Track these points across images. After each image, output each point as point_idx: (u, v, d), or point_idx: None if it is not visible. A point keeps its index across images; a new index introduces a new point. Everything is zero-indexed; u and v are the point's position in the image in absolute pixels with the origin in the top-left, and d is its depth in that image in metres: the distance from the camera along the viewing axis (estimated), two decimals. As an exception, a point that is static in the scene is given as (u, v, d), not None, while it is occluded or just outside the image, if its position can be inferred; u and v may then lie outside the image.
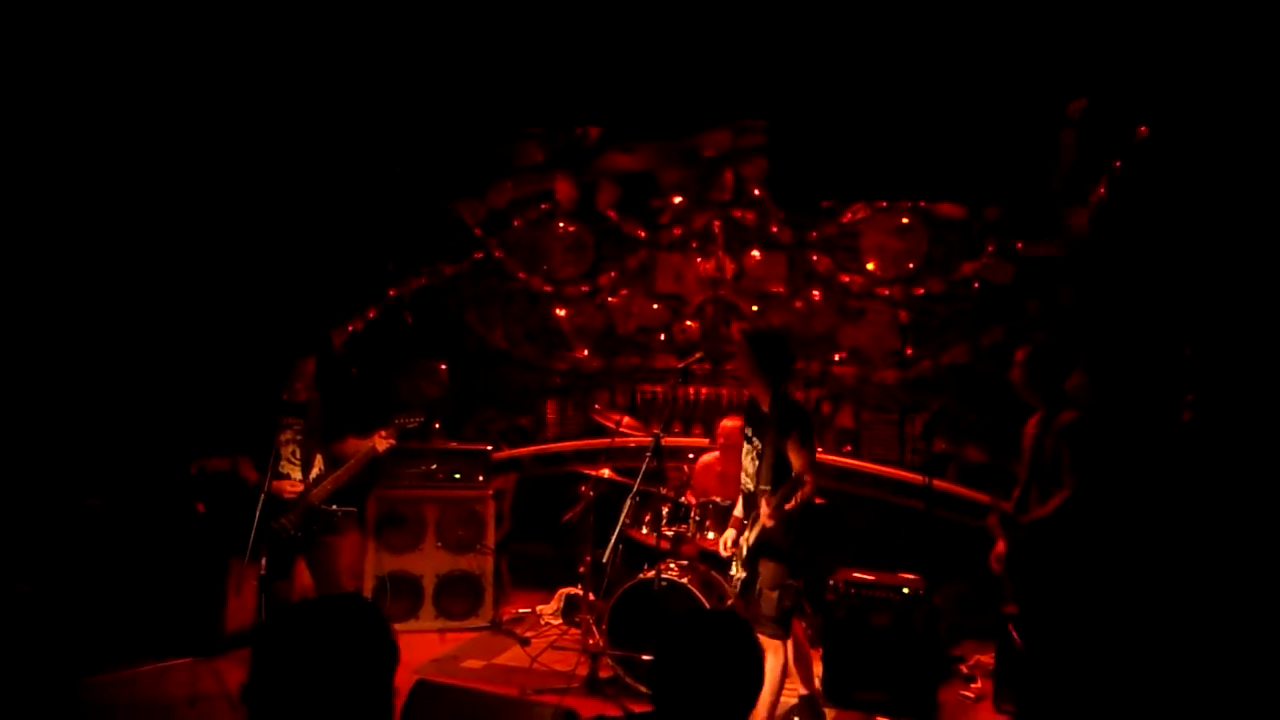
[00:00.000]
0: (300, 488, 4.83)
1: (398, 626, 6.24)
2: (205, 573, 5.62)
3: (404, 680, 2.00)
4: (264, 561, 4.52)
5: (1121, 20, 5.80)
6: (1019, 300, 6.71)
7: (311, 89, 6.82)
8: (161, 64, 6.17)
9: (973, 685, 5.54)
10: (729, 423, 6.10)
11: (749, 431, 4.59)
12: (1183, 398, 5.73)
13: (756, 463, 4.47)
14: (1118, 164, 6.24)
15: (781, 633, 4.44)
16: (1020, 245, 6.65)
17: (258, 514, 4.45)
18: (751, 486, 4.52)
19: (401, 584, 6.43)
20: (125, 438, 6.01)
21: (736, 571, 4.63)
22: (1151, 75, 5.93)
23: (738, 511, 4.81)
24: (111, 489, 5.78)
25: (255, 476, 4.75)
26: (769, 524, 4.28)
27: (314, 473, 4.95)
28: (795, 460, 4.35)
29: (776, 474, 4.35)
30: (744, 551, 4.56)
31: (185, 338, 6.46)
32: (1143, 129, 6.14)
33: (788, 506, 4.23)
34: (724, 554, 4.79)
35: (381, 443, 4.93)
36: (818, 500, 4.60)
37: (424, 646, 6.05)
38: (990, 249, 6.74)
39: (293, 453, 4.91)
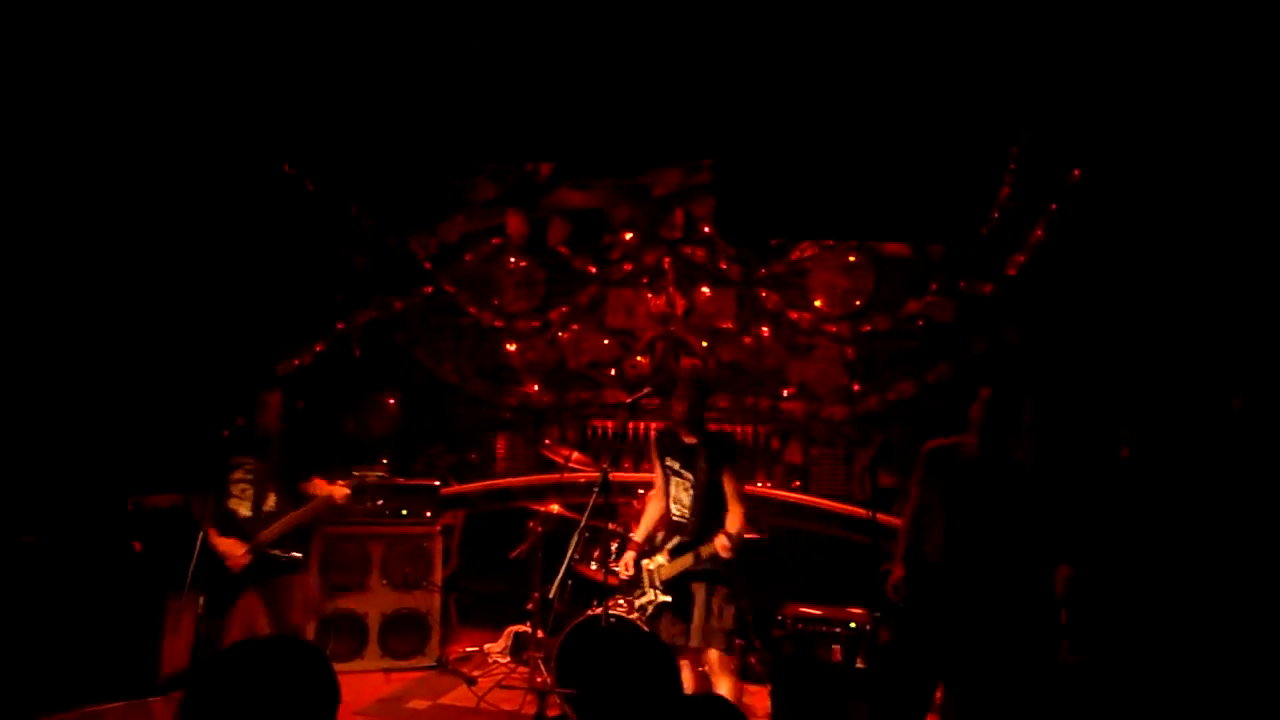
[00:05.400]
0: (242, 551, 4.71)
1: (341, 667, 6.11)
2: (142, 612, 5.46)
3: (343, 722, 1.96)
4: (202, 601, 4.41)
5: (1057, 66, 6.01)
6: (964, 338, 6.86)
7: (260, 119, 6.78)
8: (106, 90, 6.09)
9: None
10: None
11: (675, 465, 4.72)
12: (1120, 434, 5.87)
13: (690, 493, 4.63)
14: (1053, 205, 6.44)
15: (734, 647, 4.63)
16: (963, 284, 6.82)
17: (195, 552, 4.35)
18: (686, 516, 4.66)
19: (346, 623, 6.29)
20: (61, 474, 5.85)
21: (649, 596, 4.72)
22: (1086, 119, 6.15)
23: (638, 536, 4.92)
24: (46, 526, 5.61)
25: (203, 513, 4.66)
26: (729, 556, 4.43)
27: (266, 508, 4.84)
28: (731, 487, 4.56)
29: (713, 503, 4.58)
30: (657, 579, 4.69)
31: (124, 371, 6.32)
32: (1076, 171, 6.35)
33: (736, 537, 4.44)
34: (625, 575, 4.86)
35: (341, 495, 4.87)
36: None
37: (368, 687, 5.92)
38: (934, 287, 6.89)
39: (242, 490, 4.81)
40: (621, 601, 5.39)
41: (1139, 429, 5.78)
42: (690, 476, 4.63)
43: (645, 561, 4.78)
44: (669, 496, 4.78)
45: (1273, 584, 4.72)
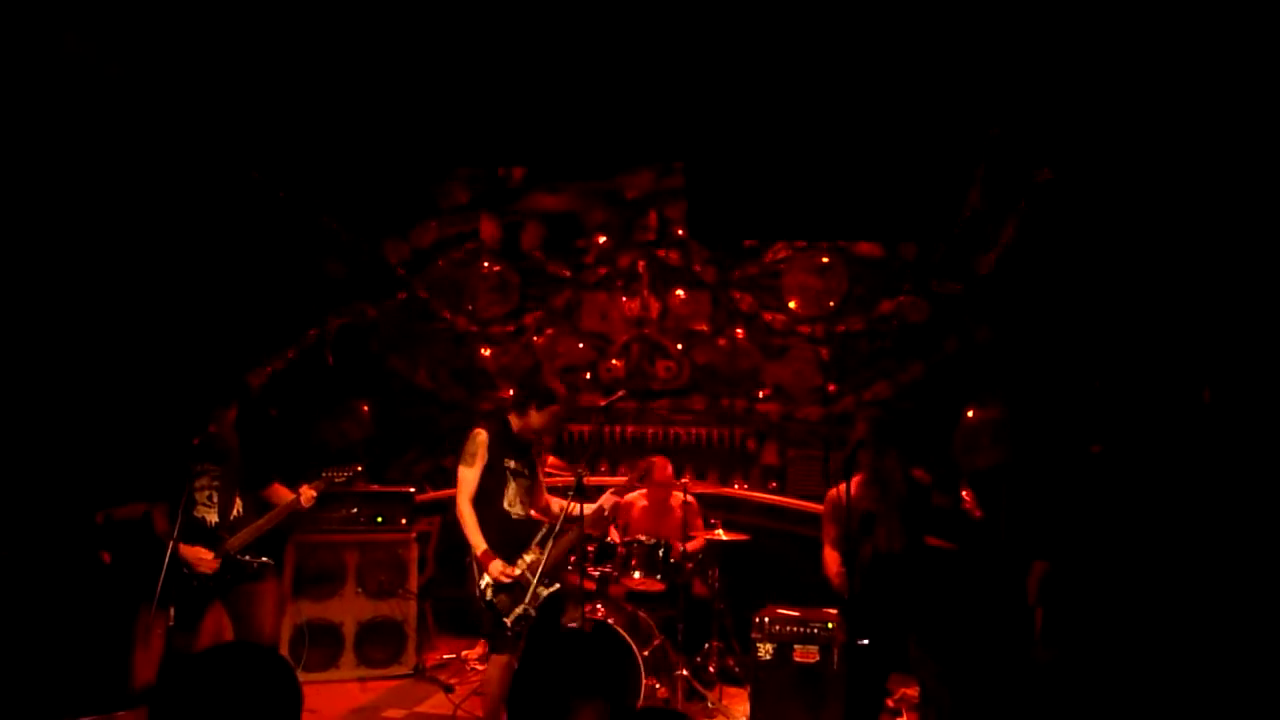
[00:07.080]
0: (211, 556, 4.65)
1: (317, 676, 6.07)
2: (111, 624, 5.39)
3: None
4: (172, 612, 4.35)
5: (1026, 65, 6.05)
6: (937, 337, 6.90)
7: (228, 123, 6.72)
8: (69, 95, 6.01)
9: (899, 719, 5.59)
10: (659, 460, 6.20)
11: (515, 464, 4.74)
12: (1093, 430, 5.92)
13: (530, 493, 4.83)
14: (1023, 204, 6.48)
15: None
16: (935, 283, 6.85)
17: (165, 563, 4.29)
18: (529, 514, 4.80)
19: (320, 632, 6.25)
20: (27, 486, 5.76)
21: (529, 598, 4.52)
22: (1055, 118, 6.19)
23: (485, 544, 4.57)
24: (12, 539, 5.53)
25: (167, 525, 4.59)
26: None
27: (233, 515, 4.79)
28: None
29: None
30: (534, 575, 4.53)
31: (91, 380, 6.23)
32: (1045, 170, 6.39)
33: None
34: (508, 579, 4.55)
35: (306, 499, 4.82)
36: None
37: (343, 697, 5.88)
38: (907, 287, 6.92)
39: (209, 497, 4.75)
40: (599, 606, 5.37)
41: (1110, 424, 5.82)
42: (529, 475, 4.78)
43: (528, 562, 4.62)
44: (503, 498, 4.66)
45: (1248, 574, 4.78)
